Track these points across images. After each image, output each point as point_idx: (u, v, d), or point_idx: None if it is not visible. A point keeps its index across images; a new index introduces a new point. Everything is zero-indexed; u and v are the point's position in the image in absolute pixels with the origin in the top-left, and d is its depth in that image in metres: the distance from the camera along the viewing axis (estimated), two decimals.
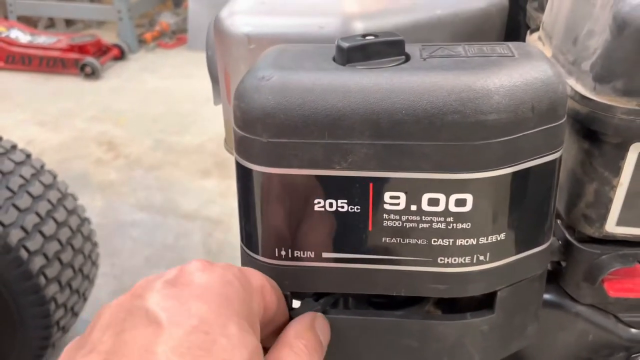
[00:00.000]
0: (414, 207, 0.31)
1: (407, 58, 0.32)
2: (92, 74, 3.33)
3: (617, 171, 0.36)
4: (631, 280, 0.40)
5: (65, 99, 3.11)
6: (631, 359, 0.43)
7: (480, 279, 0.33)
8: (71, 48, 3.39)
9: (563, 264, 0.41)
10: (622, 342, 0.42)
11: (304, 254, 0.33)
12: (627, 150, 0.35)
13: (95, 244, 1.49)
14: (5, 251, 1.20)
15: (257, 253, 0.34)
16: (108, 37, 3.67)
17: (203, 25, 3.17)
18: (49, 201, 1.32)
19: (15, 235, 1.21)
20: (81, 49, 3.39)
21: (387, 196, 0.31)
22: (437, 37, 0.46)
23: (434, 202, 0.31)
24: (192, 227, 2.08)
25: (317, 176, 0.31)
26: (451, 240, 0.31)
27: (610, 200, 0.37)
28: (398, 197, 0.31)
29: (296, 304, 0.35)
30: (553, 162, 0.32)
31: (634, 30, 0.33)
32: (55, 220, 1.32)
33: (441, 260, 0.32)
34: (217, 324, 0.25)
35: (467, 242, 0.31)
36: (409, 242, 0.32)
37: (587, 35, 0.36)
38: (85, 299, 1.48)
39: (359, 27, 0.43)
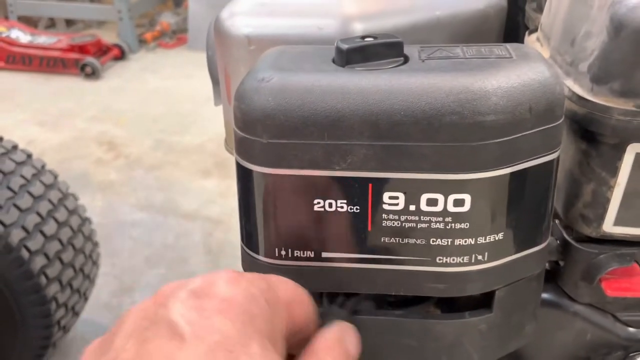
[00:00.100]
0: (412, 207, 0.31)
1: (406, 59, 0.32)
2: (93, 74, 3.32)
3: (614, 171, 0.36)
4: (628, 279, 0.40)
5: (66, 99, 3.10)
6: (629, 357, 0.43)
7: (479, 279, 0.33)
8: (71, 48, 3.39)
9: (561, 263, 0.42)
10: (620, 341, 0.43)
11: (303, 254, 0.33)
12: (624, 150, 0.35)
13: (96, 244, 1.49)
14: (7, 251, 1.20)
15: (257, 253, 0.34)
16: (108, 37, 3.66)
17: (203, 26, 3.16)
18: (49, 201, 1.32)
19: (16, 235, 1.21)
20: (81, 49, 3.39)
21: (386, 196, 0.31)
22: (436, 38, 0.46)
23: (432, 202, 0.31)
24: (193, 227, 2.08)
25: (316, 177, 0.31)
26: (450, 240, 0.32)
27: (608, 201, 0.37)
28: (397, 198, 0.31)
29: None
30: (551, 162, 0.32)
31: (631, 32, 0.33)
32: (56, 220, 1.32)
33: (440, 260, 0.32)
34: (240, 343, 0.25)
35: (465, 241, 0.32)
36: (408, 242, 0.32)
37: (584, 37, 0.37)
38: (86, 299, 1.48)
39: (358, 28, 0.44)
